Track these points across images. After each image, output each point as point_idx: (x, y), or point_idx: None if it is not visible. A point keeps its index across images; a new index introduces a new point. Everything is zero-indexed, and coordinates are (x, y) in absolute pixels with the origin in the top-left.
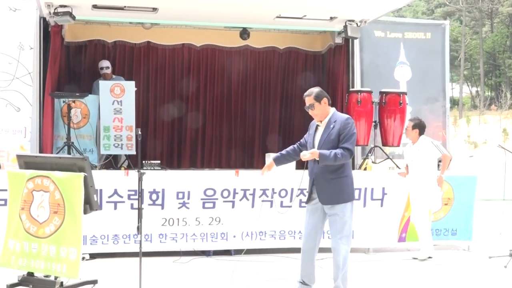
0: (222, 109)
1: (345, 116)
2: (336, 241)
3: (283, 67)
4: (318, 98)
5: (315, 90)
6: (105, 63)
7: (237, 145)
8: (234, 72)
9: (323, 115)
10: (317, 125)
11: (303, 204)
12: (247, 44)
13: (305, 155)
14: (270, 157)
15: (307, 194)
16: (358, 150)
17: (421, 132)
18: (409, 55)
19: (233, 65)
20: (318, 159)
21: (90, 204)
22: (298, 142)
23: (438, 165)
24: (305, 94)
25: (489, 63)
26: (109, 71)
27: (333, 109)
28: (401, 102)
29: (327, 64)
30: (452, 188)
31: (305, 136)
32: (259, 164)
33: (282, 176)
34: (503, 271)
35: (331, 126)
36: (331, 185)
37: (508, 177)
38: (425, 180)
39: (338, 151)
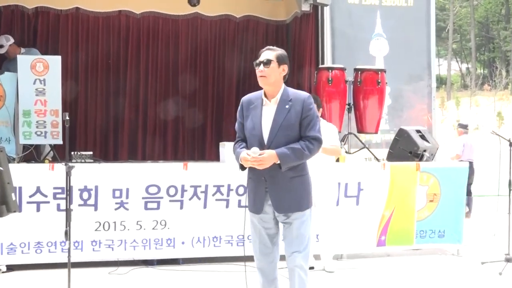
0: (168, 90)
1: (304, 93)
2: (294, 259)
3: (240, 39)
4: (279, 59)
5: (280, 49)
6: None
7: (185, 132)
8: (182, 46)
9: (275, 86)
10: (263, 102)
11: None
12: (196, 12)
13: (264, 162)
14: (225, 147)
15: (250, 201)
16: None
17: None
18: (387, 26)
19: (180, 37)
20: (278, 162)
21: (7, 205)
22: (237, 137)
23: None
24: (265, 48)
25: (481, 35)
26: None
27: (283, 85)
28: (379, 81)
29: (292, 36)
30: (439, 182)
31: (239, 119)
32: (212, 155)
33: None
34: (497, 278)
35: (286, 106)
36: (291, 186)
37: (503, 169)
38: None
39: (303, 144)
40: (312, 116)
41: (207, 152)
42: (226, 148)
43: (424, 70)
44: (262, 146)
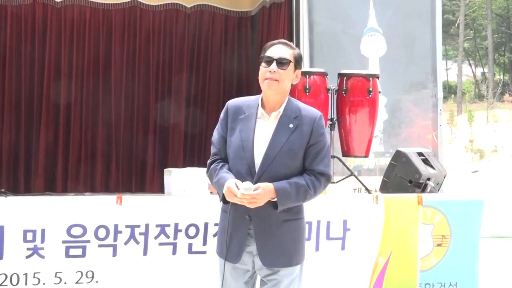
0: (96, 99)
1: (315, 111)
2: None
3: (191, 35)
4: (297, 62)
5: (296, 48)
6: None
7: (119, 156)
8: (116, 43)
9: (282, 96)
10: (257, 114)
11: None
12: (135, 0)
13: (258, 200)
14: (172, 174)
15: (223, 244)
16: None
17: None
18: (383, 19)
19: (114, 31)
20: (274, 200)
21: None
22: (214, 153)
23: None
24: (278, 40)
25: (500, 31)
26: None
27: (288, 95)
28: (370, 89)
29: (259, 32)
30: (447, 220)
31: (220, 130)
32: (153, 185)
33: (190, 204)
34: None
35: (290, 125)
36: (283, 232)
37: None
38: None
39: (308, 180)
40: (323, 144)
41: (147, 181)
42: (172, 176)
43: (428, 76)
44: (250, 175)
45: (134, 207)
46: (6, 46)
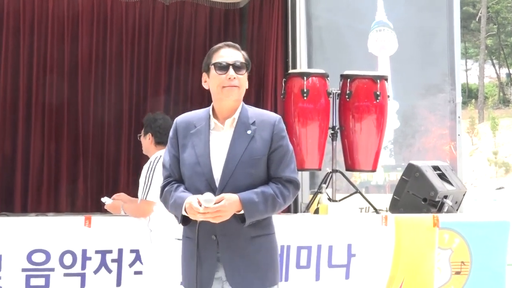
0: (61, 101)
1: (272, 114)
2: None
3: (170, 30)
4: (248, 64)
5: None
6: None
7: (88, 169)
8: (83, 38)
9: (239, 102)
10: (210, 125)
11: None
12: None
13: (224, 213)
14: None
15: (191, 273)
16: (303, 179)
17: None
18: (393, 12)
19: (81, 27)
20: (241, 213)
21: None
22: (166, 176)
23: None
24: (224, 43)
25: None
26: None
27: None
28: (378, 93)
29: (249, 27)
30: (467, 244)
31: (171, 151)
32: None
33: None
34: None
35: (248, 131)
36: (253, 250)
37: None
38: None
39: (275, 189)
40: (286, 148)
41: None
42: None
43: (445, 78)
44: (211, 190)
45: (105, 230)
46: None
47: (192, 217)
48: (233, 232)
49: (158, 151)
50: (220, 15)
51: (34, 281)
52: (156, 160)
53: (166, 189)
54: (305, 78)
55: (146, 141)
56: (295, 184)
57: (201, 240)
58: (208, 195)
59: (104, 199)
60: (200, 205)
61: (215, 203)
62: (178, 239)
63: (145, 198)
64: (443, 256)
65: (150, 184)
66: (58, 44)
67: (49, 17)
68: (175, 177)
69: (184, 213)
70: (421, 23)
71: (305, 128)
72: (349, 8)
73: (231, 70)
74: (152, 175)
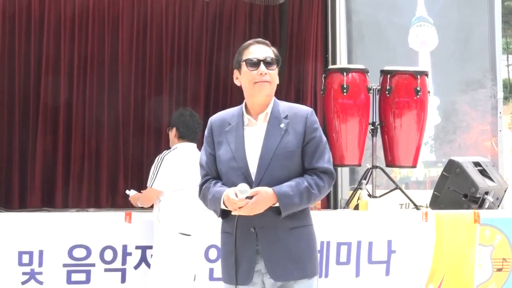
0: (101, 100)
1: (304, 108)
2: None
3: (210, 25)
4: (278, 60)
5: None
6: None
7: (129, 166)
8: (123, 37)
9: (271, 97)
10: (244, 122)
11: None
12: None
13: (257, 205)
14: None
15: (230, 267)
16: (343, 175)
17: None
18: (434, 7)
19: (121, 23)
20: (277, 205)
21: None
22: (204, 174)
23: None
24: (254, 40)
25: None
26: None
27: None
28: (418, 88)
29: (289, 22)
30: (509, 242)
31: (207, 149)
32: None
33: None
34: None
35: (281, 125)
36: (292, 241)
37: None
38: None
39: (310, 180)
40: (319, 139)
41: None
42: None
43: (485, 73)
44: (247, 184)
45: (145, 225)
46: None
47: (231, 209)
48: (272, 224)
49: (179, 143)
50: (260, 11)
51: (75, 277)
52: (168, 151)
53: (204, 186)
54: (345, 73)
55: (171, 134)
56: (330, 175)
57: (240, 234)
58: (243, 185)
59: (128, 191)
60: (236, 196)
61: (250, 196)
62: (182, 234)
63: (151, 186)
64: (484, 253)
65: (157, 173)
66: (98, 41)
67: (89, 16)
68: (213, 175)
69: (223, 206)
70: (461, 18)
71: (345, 124)
72: (390, 3)
73: (262, 65)
74: (160, 165)
